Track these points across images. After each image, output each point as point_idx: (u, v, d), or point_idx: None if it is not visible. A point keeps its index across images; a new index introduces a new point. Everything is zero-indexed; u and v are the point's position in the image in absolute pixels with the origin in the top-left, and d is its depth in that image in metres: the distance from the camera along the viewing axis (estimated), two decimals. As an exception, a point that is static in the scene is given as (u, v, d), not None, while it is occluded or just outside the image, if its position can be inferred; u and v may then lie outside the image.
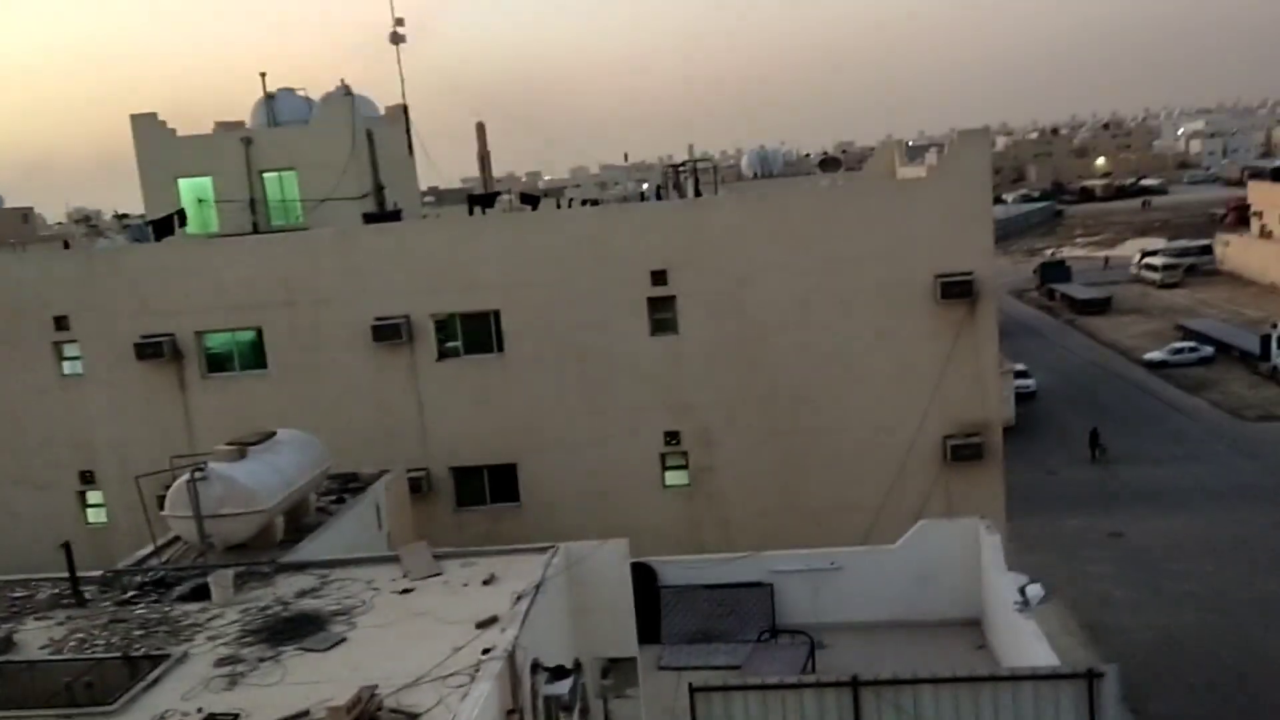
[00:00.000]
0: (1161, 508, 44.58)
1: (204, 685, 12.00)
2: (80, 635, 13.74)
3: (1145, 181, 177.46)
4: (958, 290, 22.78)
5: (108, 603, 14.93)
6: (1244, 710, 28.89)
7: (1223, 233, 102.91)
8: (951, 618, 19.00)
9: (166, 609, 14.51)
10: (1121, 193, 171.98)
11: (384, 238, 25.05)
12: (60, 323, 25.20)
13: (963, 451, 23.26)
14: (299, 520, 18.27)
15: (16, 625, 14.25)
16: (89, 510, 25.96)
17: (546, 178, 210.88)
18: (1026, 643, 15.46)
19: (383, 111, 34.80)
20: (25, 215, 65.59)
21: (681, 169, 32.88)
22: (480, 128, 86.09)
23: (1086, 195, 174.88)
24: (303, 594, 14.63)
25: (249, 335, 25.13)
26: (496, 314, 24.30)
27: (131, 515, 21.13)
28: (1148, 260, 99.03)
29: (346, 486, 20.77)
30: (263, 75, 33.10)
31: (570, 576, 15.16)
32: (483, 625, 12.88)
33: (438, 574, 14.98)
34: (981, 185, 23.02)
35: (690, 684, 13.95)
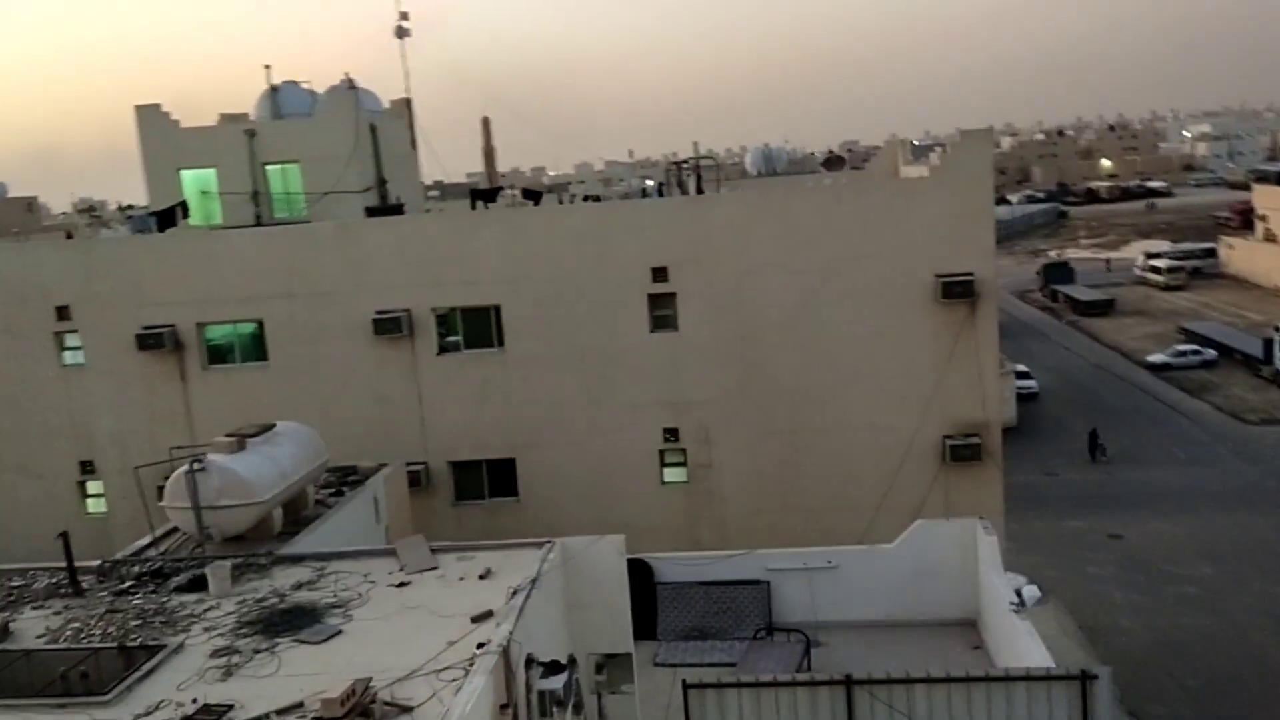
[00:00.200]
0: (1162, 510, 44.53)
1: (199, 676, 12.05)
2: (77, 625, 13.80)
3: (1150, 184, 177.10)
4: (958, 290, 22.76)
5: (105, 593, 14.98)
6: (1242, 713, 28.88)
7: (1227, 236, 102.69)
8: (948, 618, 19.01)
9: (163, 600, 14.56)
10: (1126, 194, 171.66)
11: (385, 231, 25.08)
12: (62, 313, 25.25)
13: (961, 452, 23.25)
14: (297, 513, 18.32)
15: (13, 614, 14.31)
16: (88, 500, 26.02)
17: (551, 173, 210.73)
18: (1022, 643, 15.47)
19: (387, 105, 34.76)
20: (30, 204, 65.65)
21: (684, 166, 32.83)
22: (485, 122, 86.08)
23: (1091, 197, 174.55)
24: (299, 586, 14.68)
25: (250, 327, 25.17)
26: (497, 309, 24.32)
27: (131, 505, 21.18)
28: (1152, 262, 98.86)
29: (345, 479, 20.82)
30: (267, 68, 33.11)
31: (566, 572, 15.18)
32: (478, 619, 12.91)
33: (434, 568, 15.02)
34: (983, 185, 22.99)
35: (684, 681, 13.98)
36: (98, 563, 15.94)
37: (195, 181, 31.27)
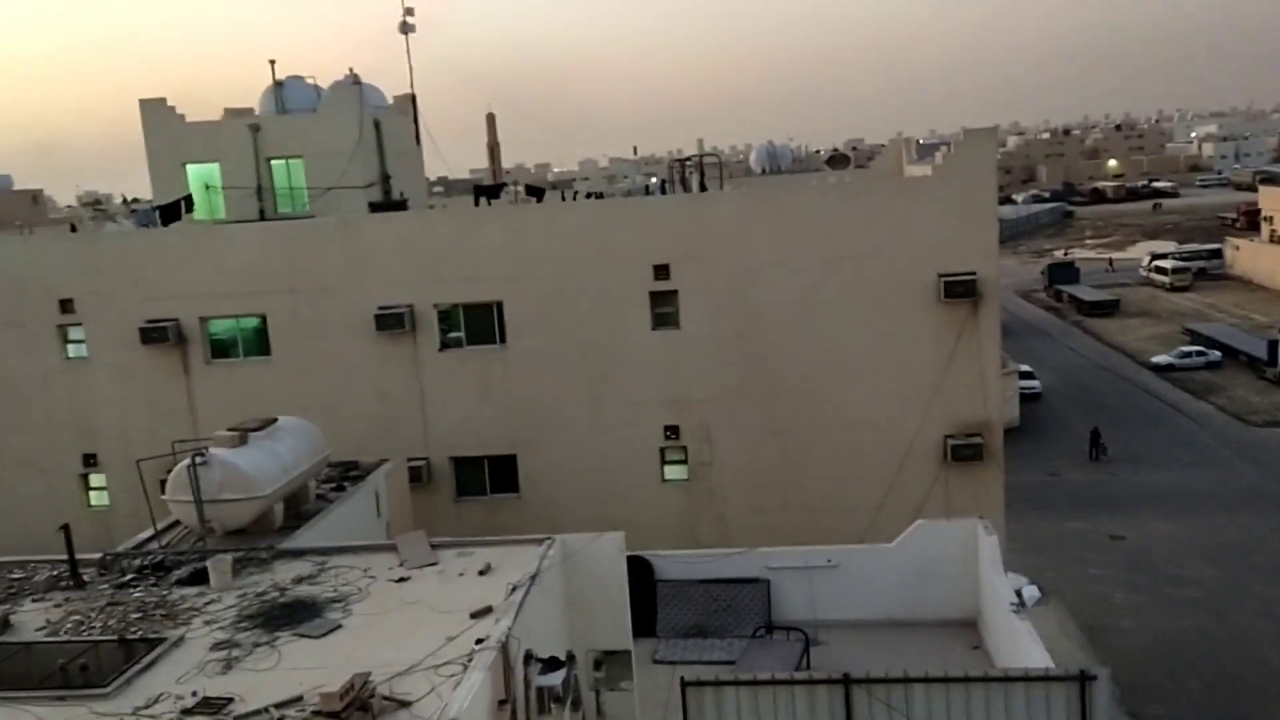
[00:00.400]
0: (1164, 511, 44.48)
1: (199, 669, 12.08)
2: (77, 617, 13.84)
3: (1156, 184, 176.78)
4: (960, 290, 22.74)
5: (106, 586, 15.02)
6: (1243, 715, 28.87)
7: (1233, 237, 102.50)
8: (948, 617, 19.00)
9: (164, 593, 14.60)
10: (1132, 195, 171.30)
11: (388, 227, 25.10)
12: (66, 306, 25.32)
13: (963, 451, 23.24)
14: (298, 507, 18.36)
15: (14, 606, 14.35)
16: (91, 493, 26.10)
17: (556, 170, 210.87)
18: (1022, 644, 15.45)
19: (391, 101, 34.80)
20: (35, 197, 65.71)
21: (688, 163, 32.83)
22: (490, 119, 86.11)
23: (1097, 196, 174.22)
24: (300, 580, 14.71)
25: (253, 322, 25.21)
26: (499, 305, 24.35)
27: (133, 498, 21.23)
28: (1157, 263, 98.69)
29: (347, 474, 20.85)
30: (272, 63, 33.16)
31: (566, 568, 15.20)
32: (477, 615, 12.94)
33: (434, 563, 15.05)
34: (986, 185, 22.96)
35: (683, 678, 13.97)
36: (99, 555, 15.99)
37: (200, 176, 31.33)
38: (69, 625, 13.63)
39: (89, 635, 13.25)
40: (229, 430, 17.60)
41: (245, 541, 16.50)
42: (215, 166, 31.23)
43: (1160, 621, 34.68)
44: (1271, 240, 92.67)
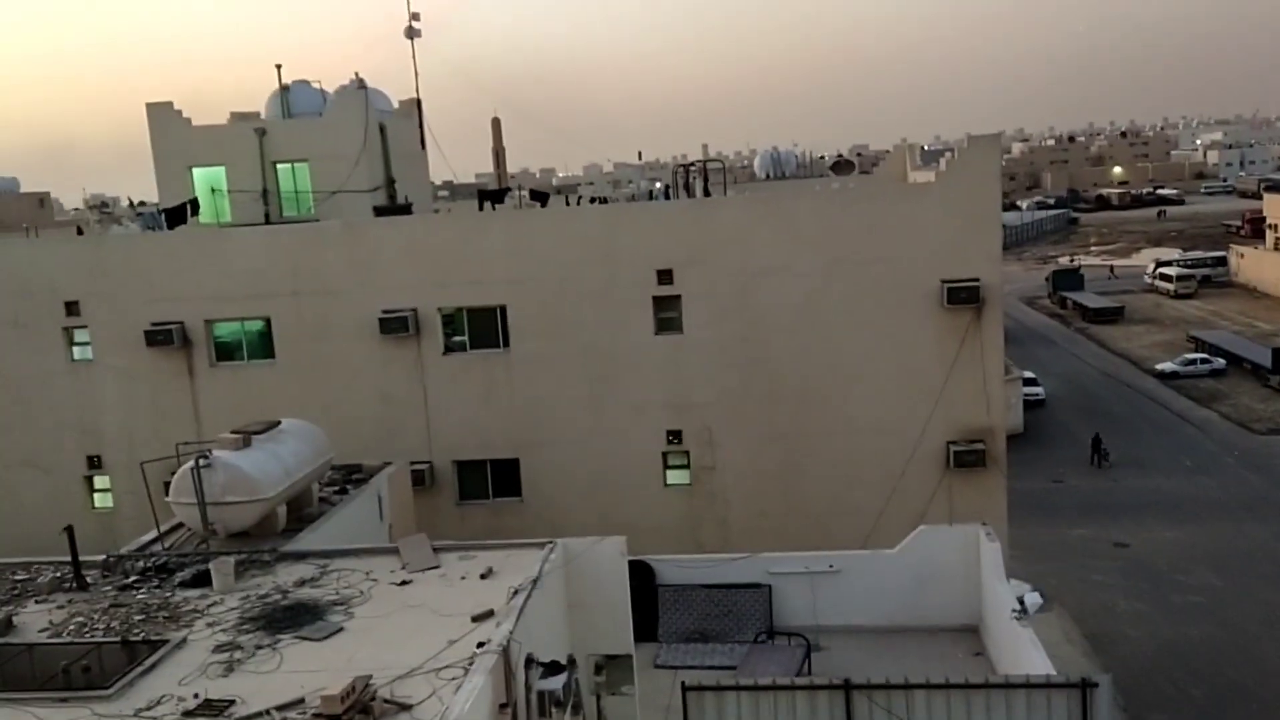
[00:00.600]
0: (1168, 519, 44.41)
1: (201, 671, 12.12)
2: (80, 619, 13.88)
3: (1161, 191, 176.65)
4: (964, 296, 22.74)
5: (109, 587, 15.06)
6: (1245, 724, 28.82)
7: (1237, 244, 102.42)
8: (950, 624, 18.98)
9: (167, 595, 14.64)
10: (1137, 202, 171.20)
11: (393, 231, 25.16)
12: (71, 308, 25.39)
13: (965, 457, 23.23)
14: (301, 510, 18.39)
15: (17, 608, 14.39)
16: (95, 495, 26.15)
17: (561, 174, 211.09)
18: (1023, 651, 15.45)
19: (396, 105, 34.87)
20: (41, 200, 65.92)
21: (691, 168, 32.88)
22: (495, 123, 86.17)
23: (1102, 203, 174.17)
24: (302, 583, 14.75)
25: (257, 325, 25.27)
26: (503, 309, 24.38)
27: (137, 501, 21.30)
28: (1162, 270, 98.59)
29: (350, 477, 20.89)
30: (278, 67, 33.21)
31: (568, 572, 15.22)
32: (478, 619, 12.96)
33: (436, 567, 15.07)
34: (990, 191, 22.97)
35: (684, 683, 14.01)
36: (102, 557, 16.03)
37: (205, 179, 31.41)
38: (72, 627, 13.67)
39: (92, 637, 13.29)
40: (233, 433, 17.65)
41: (248, 544, 16.54)
42: (221, 170, 31.30)
43: (1164, 629, 34.61)
44: (1276, 248, 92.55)
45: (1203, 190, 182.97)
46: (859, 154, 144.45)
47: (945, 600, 19.06)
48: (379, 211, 28.89)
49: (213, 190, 31.36)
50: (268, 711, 10.93)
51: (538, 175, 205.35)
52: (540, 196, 34.76)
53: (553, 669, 12.96)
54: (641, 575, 19.04)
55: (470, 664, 11.70)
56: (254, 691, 11.45)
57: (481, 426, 24.62)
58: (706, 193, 29.70)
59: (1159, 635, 34.16)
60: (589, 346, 24.10)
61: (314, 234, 25.42)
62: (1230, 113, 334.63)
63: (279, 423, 18.62)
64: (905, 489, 23.50)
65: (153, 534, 17.49)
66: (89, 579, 15.28)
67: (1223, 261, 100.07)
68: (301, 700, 11.09)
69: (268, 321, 25.12)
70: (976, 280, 22.78)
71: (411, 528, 20.23)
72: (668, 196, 35.77)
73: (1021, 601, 17.12)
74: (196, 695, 11.44)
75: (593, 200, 42.79)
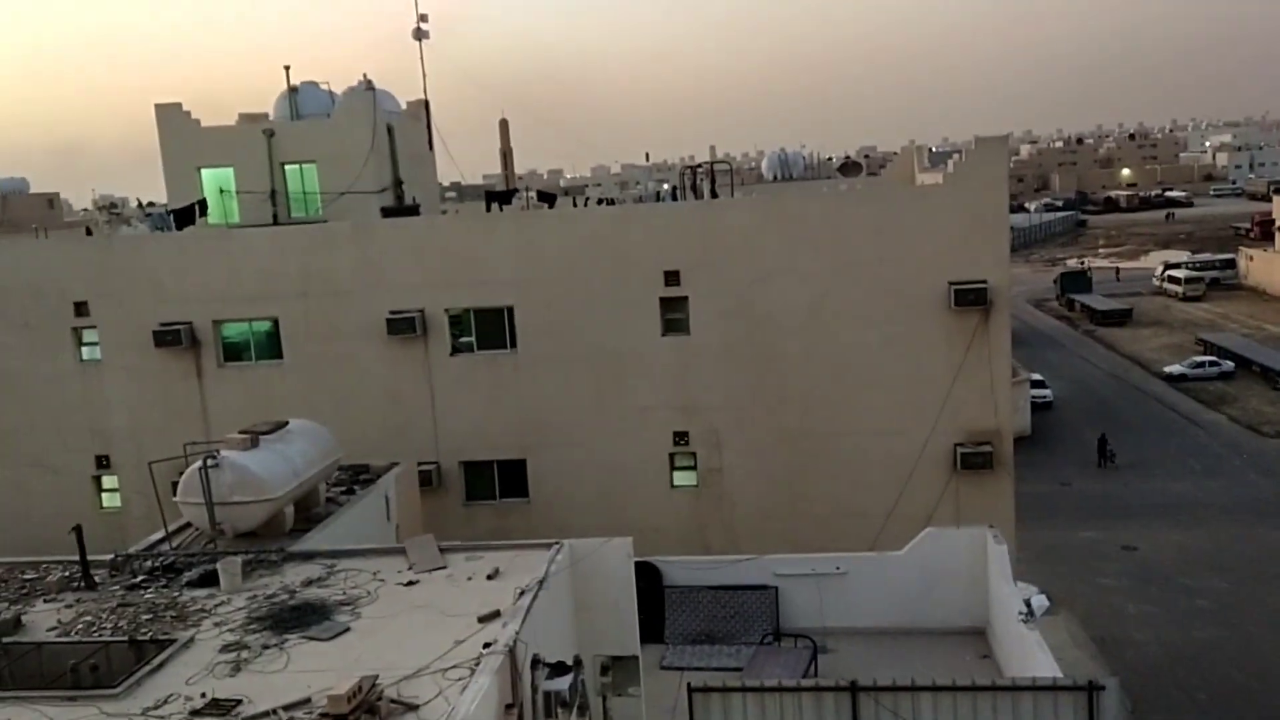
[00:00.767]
0: (1176, 522, 44.31)
1: (208, 671, 12.15)
2: (88, 618, 13.93)
3: (1170, 193, 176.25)
4: (971, 298, 22.70)
5: (117, 587, 15.12)
6: (1252, 728, 28.73)
7: (1246, 247, 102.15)
8: (956, 626, 18.95)
9: (175, 594, 14.69)
10: (1146, 204, 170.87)
11: (400, 232, 25.20)
12: (80, 309, 25.46)
13: (973, 460, 23.18)
14: (309, 510, 18.44)
15: (26, 607, 14.44)
16: (103, 494, 26.22)
17: (568, 175, 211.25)
18: (1030, 653, 15.41)
19: (404, 106, 34.92)
20: (51, 201, 66.17)
21: (699, 170, 32.88)
22: (503, 124, 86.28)
23: (1110, 206, 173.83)
24: (309, 583, 14.79)
25: (265, 325, 25.33)
26: (510, 310, 24.40)
27: (144, 500, 21.34)
28: (1170, 273, 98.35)
29: (357, 478, 20.94)
30: (286, 68, 33.29)
31: (574, 573, 15.22)
32: (485, 619, 12.98)
33: (443, 567, 15.09)
34: (998, 193, 22.93)
35: (689, 684, 14.02)
36: (111, 557, 16.08)
37: (214, 180, 31.48)
38: (80, 626, 13.72)
39: (100, 636, 13.34)
40: (240, 433, 17.69)
41: (255, 544, 16.57)
42: (229, 171, 31.38)
43: (1171, 632, 34.53)
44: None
45: (1212, 192, 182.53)
46: (866, 156, 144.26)
47: (952, 603, 19.03)
48: (387, 212, 28.93)
49: (221, 191, 31.43)
50: (274, 711, 10.96)
51: (545, 176, 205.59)
52: (548, 198, 34.81)
53: (559, 670, 12.97)
54: (648, 576, 19.05)
55: (477, 664, 11.72)
56: (261, 691, 11.48)
57: (488, 427, 24.65)
58: (714, 194, 29.69)
59: (1166, 638, 34.08)
60: (596, 347, 24.11)
61: (322, 235, 25.48)
62: (1240, 115, 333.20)
63: (287, 423, 18.66)
64: (912, 491, 23.47)
65: (160, 534, 17.55)
66: (97, 578, 15.33)
67: (1231, 264, 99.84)
68: (308, 700, 11.12)
69: (276, 322, 25.17)
70: (984, 282, 22.75)
71: (418, 528, 20.27)
72: (675, 198, 35.76)
73: (1029, 604, 17.09)
74: (204, 695, 11.48)
75: (600, 201, 42.79)
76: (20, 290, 25.61)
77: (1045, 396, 61.94)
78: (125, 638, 13.16)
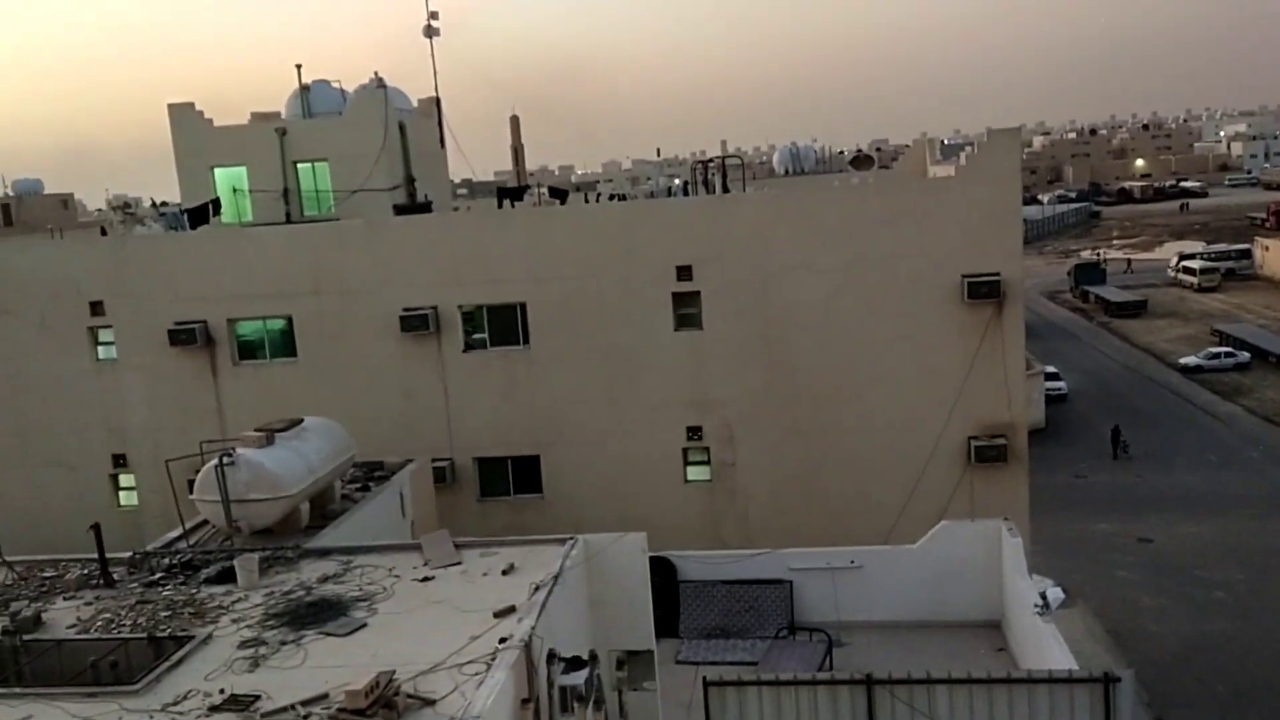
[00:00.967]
0: (1192, 514, 44.09)
1: (227, 666, 12.23)
2: (108, 615, 14.03)
3: (1184, 184, 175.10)
4: (985, 291, 22.65)
5: (135, 584, 15.22)
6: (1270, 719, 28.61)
7: (1262, 237, 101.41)
8: (972, 619, 18.95)
9: (193, 591, 14.78)
10: (1160, 195, 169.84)
11: (413, 229, 25.26)
12: (96, 308, 25.62)
13: (987, 453, 23.14)
14: (324, 507, 18.52)
15: (46, 604, 14.56)
16: (120, 493, 26.39)
17: (579, 172, 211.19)
18: (1046, 646, 15.41)
19: (415, 104, 35.00)
20: (65, 201, 66.56)
21: (710, 165, 32.84)
22: (514, 121, 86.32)
23: (1124, 196, 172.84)
24: (326, 579, 14.86)
25: (279, 324, 25.44)
26: (523, 306, 24.45)
27: (162, 498, 21.46)
28: (1185, 264, 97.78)
29: (372, 475, 21.01)
30: (298, 67, 33.40)
31: (589, 568, 15.27)
32: (500, 614, 13.03)
33: (458, 563, 15.15)
34: (1011, 185, 22.86)
35: (705, 678, 14.04)
36: (129, 554, 16.20)
37: (227, 179, 31.63)
38: (99, 623, 13.82)
39: (119, 633, 13.44)
40: (256, 431, 17.77)
41: (272, 541, 16.67)
42: (242, 170, 31.52)
43: (1187, 624, 34.39)
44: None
45: (1227, 182, 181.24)
46: (878, 149, 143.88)
47: (967, 596, 19.04)
48: (399, 210, 29.01)
49: (234, 190, 31.57)
50: (293, 706, 11.02)
51: (556, 173, 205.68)
52: (559, 194, 34.82)
53: (575, 664, 13.02)
54: (663, 571, 19.10)
55: (493, 659, 11.77)
56: (279, 687, 11.55)
57: (502, 423, 24.71)
58: (725, 189, 29.66)
59: (1182, 631, 33.94)
60: (609, 343, 24.14)
61: (335, 233, 25.57)
62: (1255, 104, 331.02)
63: (301, 420, 18.74)
64: (926, 485, 23.44)
65: (178, 531, 17.66)
66: (116, 576, 15.44)
67: (1247, 254, 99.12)
68: (326, 695, 11.18)
69: (289, 320, 25.28)
70: (997, 275, 22.69)
71: (433, 524, 20.34)
72: (686, 193, 35.75)
73: (1044, 597, 17.04)
74: (222, 690, 11.56)
75: (612, 197, 42.81)
76: (37, 290, 25.79)
77: (1060, 389, 61.70)
78: (144, 634, 13.25)
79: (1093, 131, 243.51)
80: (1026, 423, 24.26)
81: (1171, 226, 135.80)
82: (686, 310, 23.93)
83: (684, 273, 23.70)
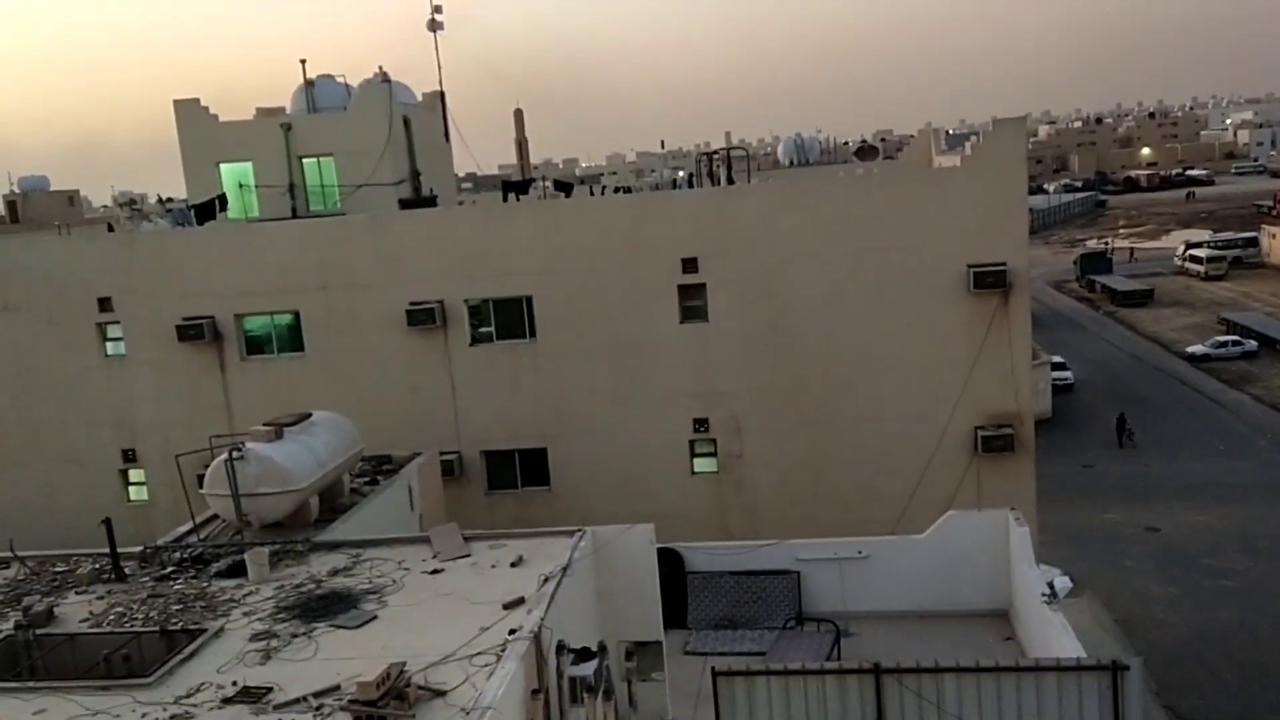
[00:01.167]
0: (1200, 503, 44.03)
1: (239, 659, 12.31)
2: (120, 609, 14.12)
3: (1191, 172, 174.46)
4: (991, 281, 22.63)
5: (147, 578, 15.31)
6: (1279, 707, 28.58)
7: (1269, 225, 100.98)
8: (979, 609, 18.96)
9: (204, 585, 14.86)
10: (1166, 183, 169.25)
11: (418, 223, 25.32)
12: (104, 304, 25.71)
13: (993, 442, 23.15)
14: (333, 500, 18.59)
15: (58, 599, 14.66)
16: (130, 488, 26.52)
17: (584, 164, 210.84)
18: (1054, 635, 15.41)
19: (420, 98, 35.05)
20: (71, 198, 66.64)
21: (715, 156, 32.83)
22: (518, 114, 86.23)
23: (1130, 185, 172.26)
24: (335, 572, 14.93)
25: (287, 318, 25.52)
26: (529, 300, 24.49)
27: (171, 493, 21.60)
28: (1192, 252, 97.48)
29: (380, 468, 21.09)
30: (303, 62, 33.47)
31: (597, 560, 15.32)
32: (509, 606, 13.09)
33: (467, 555, 15.22)
34: (1016, 175, 22.82)
35: (713, 668, 14.08)
36: (140, 549, 16.27)
37: (233, 174, 31.73)
38: (111, 617, 13.91)
39: (131, 626, 13.51)
40: (265, 425, 17.85)
41: (282, 534, 16.74)
42: (248, 165, 31.60)
43: (1195, 613, 34.38)
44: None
45: (1233, 170, 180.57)
46: (883, 139, 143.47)
47: (975, 585, 19.04)
48: (404, 204, 29.08)
49: (240, 185, 31.67)
50: (305, 698, 11.10)
51: (561, 166, 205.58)
52: (564, 187, 34.85)
53: (584, 655, 13.07)
54: (671, 562, 19.15)
55: (503, 650, 11.83)
56: (291, 679, 11.63)
57: (509, 416, 24.77)
58: (730, 181, 29.68)
59: (1190, 619, 33.94)
60: (615, 336, 24.18)
61: (341, 227, 25.63)
62: (1261, 91, 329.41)
63: (310, 415, 18.81)
64: (933, 475, 23.46)
65: (188, 525, 17.74)
66: (127, 570, 15.53)
67: (1254, 242, 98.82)
68: (337, 687, 11.25)
69: (297, 315, 25.35)
70: (1003, 265, 22.66)
71: (441, 517, 20.42)
72: (691, 185, 35.74)
73: (1051, 586, 17.08)
74: (235, 683, 11.63)
75: (616, 190, 42.82)
76: (44, 287, 25.88)
77: (1066, 379, 61.60)
78: (156, 628, 13.32)
79: (1098, 120, 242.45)
80: (1033, 412, 24.24)
81: (1178, 215, 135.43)
82: (692, 302, 23.95)
83: (690, 265, 23.71)
